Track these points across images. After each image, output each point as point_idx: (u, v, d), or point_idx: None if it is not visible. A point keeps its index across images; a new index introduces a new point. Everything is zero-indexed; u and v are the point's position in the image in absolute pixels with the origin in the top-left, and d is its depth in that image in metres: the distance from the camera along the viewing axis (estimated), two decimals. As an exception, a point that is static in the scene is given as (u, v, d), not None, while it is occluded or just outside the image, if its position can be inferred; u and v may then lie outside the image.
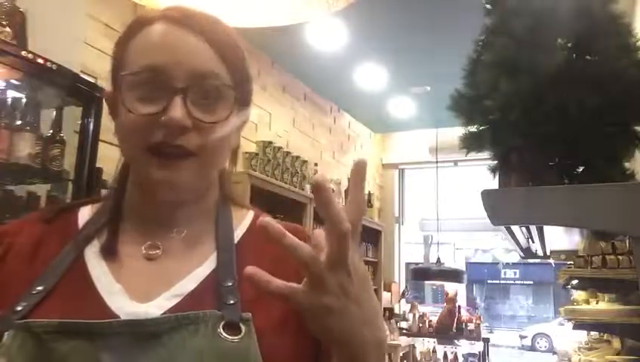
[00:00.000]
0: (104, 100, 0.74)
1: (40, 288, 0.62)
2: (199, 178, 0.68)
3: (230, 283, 0.64)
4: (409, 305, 6.27)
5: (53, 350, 0.57)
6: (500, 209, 1.05)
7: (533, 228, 1.45)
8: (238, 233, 0.73)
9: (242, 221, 0.76)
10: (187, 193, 0.69)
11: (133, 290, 0.64)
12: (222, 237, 0.70)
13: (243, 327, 0.60)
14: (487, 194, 1.05)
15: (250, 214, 0.78)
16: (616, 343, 2.54)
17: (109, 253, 0.68)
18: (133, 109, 0.64)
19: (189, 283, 0.65)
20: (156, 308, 0.62)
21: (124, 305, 0.62)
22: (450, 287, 5.95)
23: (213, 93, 0.66)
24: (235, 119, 0.69)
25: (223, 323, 0.60)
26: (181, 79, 0.64)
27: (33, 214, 0.76)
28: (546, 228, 1.44)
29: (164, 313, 0.61)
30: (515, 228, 1.47)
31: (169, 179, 0.65)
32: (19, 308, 0.61)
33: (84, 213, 0.74)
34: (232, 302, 0.62)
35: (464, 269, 6.53)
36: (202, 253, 0.69)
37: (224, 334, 0.59)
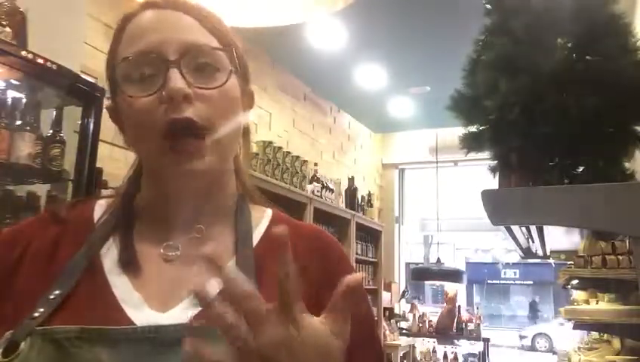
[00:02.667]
0: (108, 112, 0.73)
1: (57, 292, 0.61)
2: (217, 157, 0.65)
3: None
4: (409, 305, 6.27)
5: (73, 356, 0.56)
6: (500, 209, 1.05)
7: (533, 228, 1.45)
8: (257, 234, 0.71)
9: (261, 221, 0.74)
10: (209, 176, 0.67)
11: (151, 298, 0.62)
12: (240, 241, 0.69)
13: None
14: (487, 194, 1.05)
15: (268, 213, 0.76)
16: (616, 343, 2.54)
17: (128, 263, 0.65)
18: (134, 94, 0.64)
19: (210, 289, 0.64)
20: (176, 318, 0.60)
21: (143, 315, 0.60)
22: (450, 287, 5.95)
23: (208, 64, 0.66)
24: (235, 85, 0.69)
25: None
26: (173, 52, 0.64)
27: (45, 213, 0.74)
28: (546, 228, 1.44)
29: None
30: (515, 228, 1.47)
31: (188, 169, 0.63)
32: (36, 314, 0.59)
33: (99, 212, 0.72)
34: None
35: (464, 269, 6.54)
36: (221, 256, 0.68)
37: None
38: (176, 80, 0.62)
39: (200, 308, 0.61)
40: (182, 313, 0.61)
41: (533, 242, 1.80)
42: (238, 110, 0.70)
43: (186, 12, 0.67)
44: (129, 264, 0.65)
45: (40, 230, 0.69)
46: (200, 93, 0.64)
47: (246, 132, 0.76)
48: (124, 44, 0.67)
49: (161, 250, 0.67)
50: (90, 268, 0.64)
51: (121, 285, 0.63)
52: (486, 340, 5.70)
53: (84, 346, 0.56)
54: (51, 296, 0.61)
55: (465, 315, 5.85)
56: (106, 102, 0.73)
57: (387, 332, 5.45)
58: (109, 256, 0.66)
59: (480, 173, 1.29)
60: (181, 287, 0.63)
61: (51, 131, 2.07)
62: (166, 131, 0.63)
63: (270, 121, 4.64)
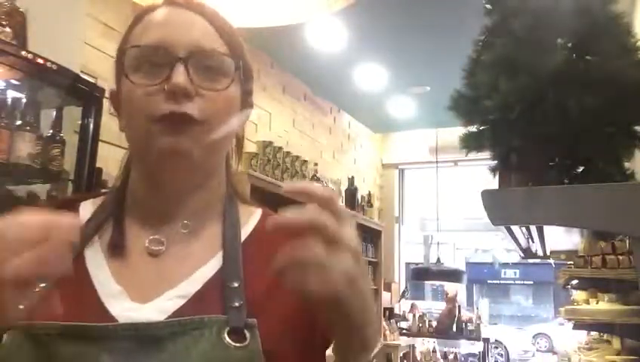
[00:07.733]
0: (109, 99, 0.74)
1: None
2: (203, 148, 0.66)
3: (236, 284, 0.63)
4: (409, 305, 6.27)
5: (53, 352, 0.57)
6: (500, 209, 1.05)
7: (533, 228, 1.45)
8: (245, 231, 0.72)
9: (250, 219, 0.75)
10: (192, 164, 0.67)
11: (134, 291, 0.63)
12: (228, 235, 0.69)
13: (248, 334, 0.59)
14: (487, 194, 1.05)
15: (257, 212, 0.77)
16: (616, 343, 2.54)
17: (118, 248, 0.67)
18: (138, 81, 0.65)
19: (194, 283, 0.64)
20: (158, 310, 0.61)
21: (123, 308, 0.61)
22: (450, 287, 5.95)
23: (215, 67, 0.67)
24: (237, 95, 0.70)
25: (227, 329, 0.59)
26: (182, 50, 0.65)
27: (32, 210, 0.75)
28: (546, 228, 1.44)
29: (169, 316, 0.60)
30: (515, 228, 1.47)
31: (174, 144, 0.64)
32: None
33: (86, 210, 0.73)
34: (237, 304, 0.61)
35: (464, 269, 6.53)
36: (207, 250, 0.68)
37: (228, 340, 0.58)
38: (180, 76, 0.64)
39: (182, 303, 0.62)
40: (164, 306, 0.61)
41: (533, 242, 1.80)
42: (234, 118, 0.71)
43: (203, 15, 0.69)
44: (116, 254, 0.66)
45: None
46: (201, 93, 0.66)
47: (240, 142, 0.79)
48: (138, 33, 0.69)
49: (146, 244, 0.68)
50: (74, 265, 0.64)
51: (103, 278, 0.64)
52: (486, 340, 5.70)
53: (63, 342, 0.57)
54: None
55: (465, 315, 5.85)
56: (110, 89, 0.74)
57: (387, 332, 5.45)
58: (94, 251, 0.67)
59: (480, 173, 1.29)
60: (164, 282, 0.64)
61: (51, 131, 2.07)
62: (161, 119, 0.64)
63: (270, 121, 4.63)
